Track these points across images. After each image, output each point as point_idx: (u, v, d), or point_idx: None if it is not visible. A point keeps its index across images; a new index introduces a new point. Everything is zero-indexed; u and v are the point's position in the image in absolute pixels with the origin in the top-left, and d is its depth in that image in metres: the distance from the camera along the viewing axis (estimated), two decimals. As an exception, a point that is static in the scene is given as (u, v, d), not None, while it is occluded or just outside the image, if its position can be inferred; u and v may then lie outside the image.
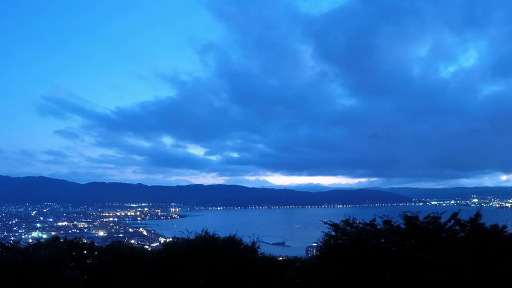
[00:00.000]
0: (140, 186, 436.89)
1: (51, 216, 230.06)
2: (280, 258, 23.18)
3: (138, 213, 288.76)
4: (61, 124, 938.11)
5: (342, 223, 15.49)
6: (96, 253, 22.44)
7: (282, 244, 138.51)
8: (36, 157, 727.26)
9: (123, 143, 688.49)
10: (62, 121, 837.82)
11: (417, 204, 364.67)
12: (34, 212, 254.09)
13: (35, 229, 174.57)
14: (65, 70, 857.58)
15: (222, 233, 18.73)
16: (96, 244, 24.67)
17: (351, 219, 15.53)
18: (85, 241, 24.11)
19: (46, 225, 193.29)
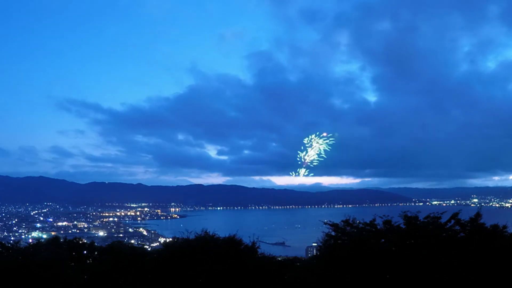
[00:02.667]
0: (140, 186, 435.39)
1: (51, 216, 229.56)
2: (280, 258, 23.20)
3: (138, 213, 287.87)
4: (66, 122, 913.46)
5: (342, 223, 15.50)
6: (96, 253, 22.52)
7: (282, 244, 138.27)
8: (40, 156, 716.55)
9: (131, 142, 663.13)
10: (67, 119, 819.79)
11: (417, 204, 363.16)
12: (34, 212, 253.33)
13: (35, 229, 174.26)
14: (69, 64, 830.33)
15: (222, 233, 18.79)
16: (96, 244, 24.78)
17: (351, 219, 15.53)
18: (85, 241, 24.24)
19: (46, 225, 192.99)
